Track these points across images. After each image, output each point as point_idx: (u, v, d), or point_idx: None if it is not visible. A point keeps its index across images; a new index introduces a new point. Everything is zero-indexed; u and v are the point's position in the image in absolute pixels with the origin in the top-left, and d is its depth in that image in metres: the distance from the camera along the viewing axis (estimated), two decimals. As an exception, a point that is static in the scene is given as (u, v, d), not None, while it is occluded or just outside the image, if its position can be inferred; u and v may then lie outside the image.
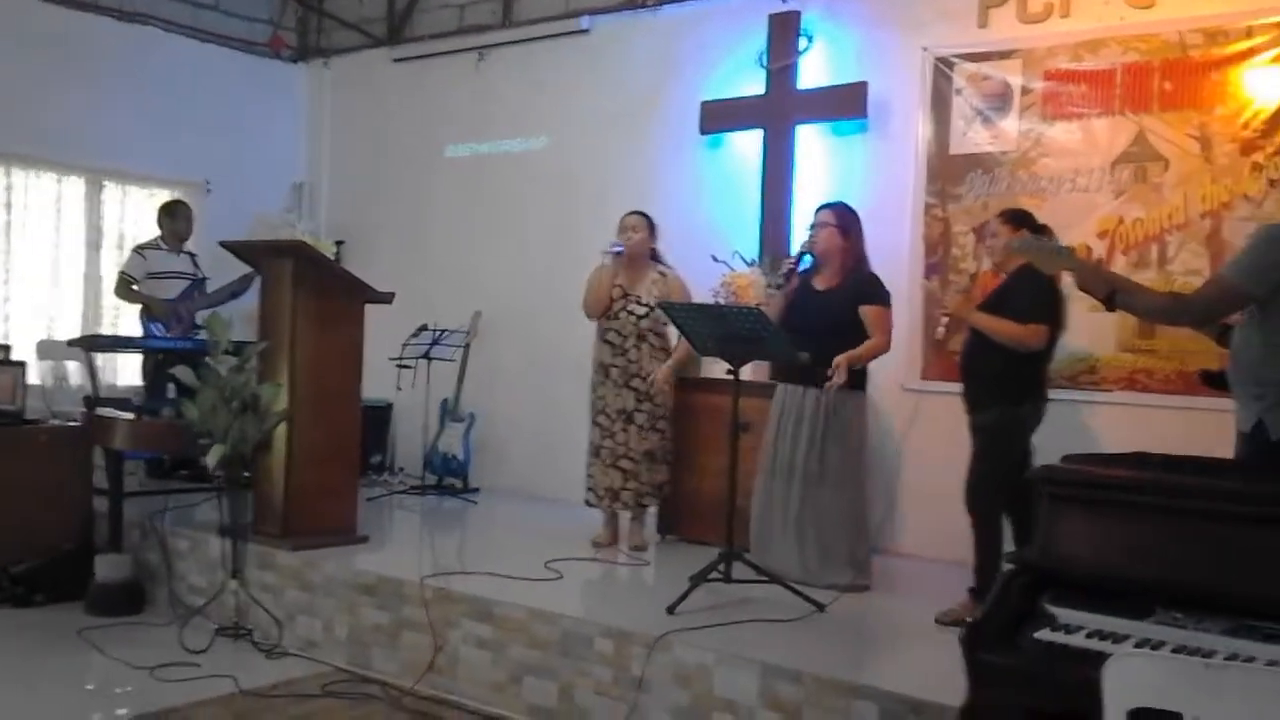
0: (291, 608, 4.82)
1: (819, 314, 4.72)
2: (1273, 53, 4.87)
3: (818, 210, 4.97)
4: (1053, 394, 5.05)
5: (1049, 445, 4.55)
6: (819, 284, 4.85)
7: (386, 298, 5.39)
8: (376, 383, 7.12)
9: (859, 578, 4.69)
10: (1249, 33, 4.94)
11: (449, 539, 6.09)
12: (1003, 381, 4.22)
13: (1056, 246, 3.09)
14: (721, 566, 4.32)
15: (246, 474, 4.98)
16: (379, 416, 7.49)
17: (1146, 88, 5.19)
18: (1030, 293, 4.15)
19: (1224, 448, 3.19)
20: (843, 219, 4.84)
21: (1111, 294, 2.99)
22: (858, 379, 4.79)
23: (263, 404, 4.90)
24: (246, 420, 4.84)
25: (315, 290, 5.17)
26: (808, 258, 4.90)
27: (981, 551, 4.24)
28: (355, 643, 4.59)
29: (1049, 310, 4.21)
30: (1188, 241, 5.05)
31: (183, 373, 4.81)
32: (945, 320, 4.40)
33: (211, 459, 4.77)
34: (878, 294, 4.78)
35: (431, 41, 7.97)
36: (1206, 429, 3.95)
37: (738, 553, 4.38)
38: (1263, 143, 4.87)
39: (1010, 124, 5.55)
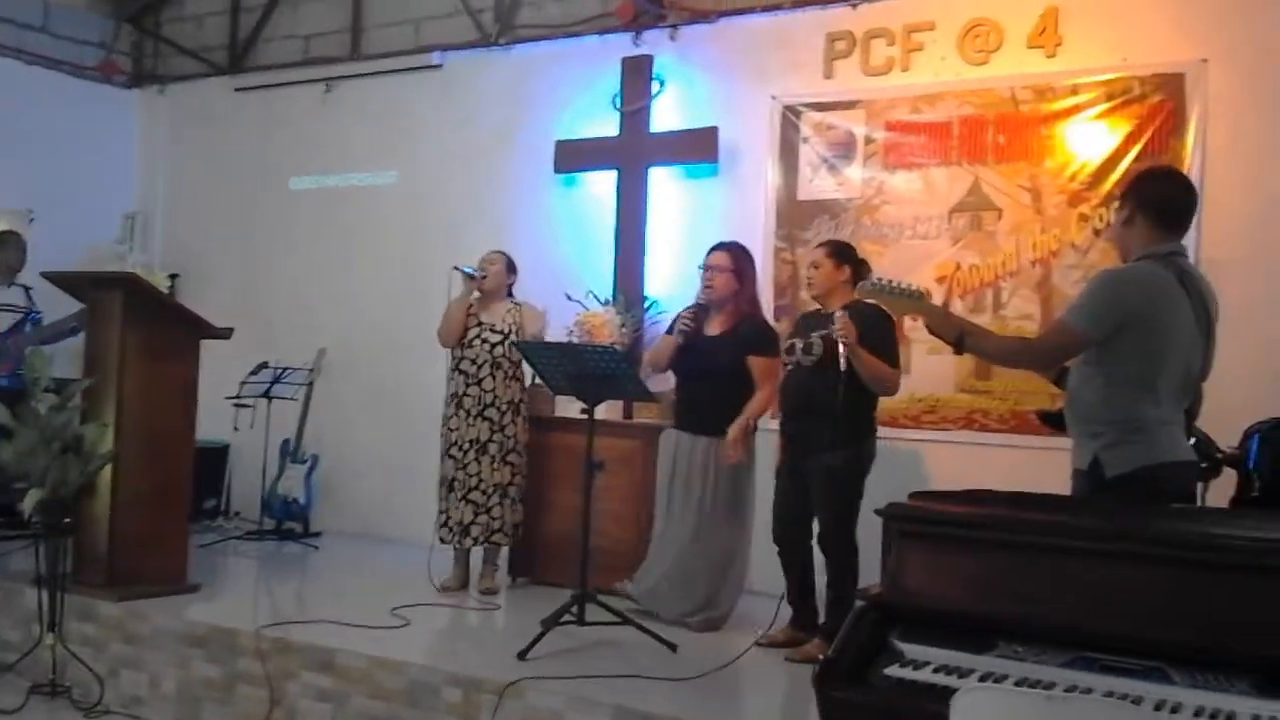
0: (115, 662, 4.51)
1: (708, 359, 4.72)
2: (1097, 109, 5.17)
3: (711, 251, 4.94)
4: (897, 433, 5.24)
5: (894, 484, 4.68)
6: (710, 328, 4.84)
7: (224, 333, 5.16)
8: (212, 423, 6.79)
9: (714, 615, 4.68)
10: (1075, 90, 5.23)
11: (288, 586, 5.83)
12: (852, 421, 4.30)
13: (909, 290, 3.14)
14: (574, 609, 4.25)
15: (67, 520, 4.65)
16: (214, 458, 7.14)
17: (981, 140, 5.43)
18: (882, 338, 4.27)
19: (1059, 484, 3.31)
20: (738, 262, 4.86)
21: (961, 337, 3.07)
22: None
23: (86, 445, 4.60)
24: (68, 462, 4.54)
25: (146, 325, 4.91)
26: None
27: (843, 589, 4.28)
28: (185, 698, 4.33)
29: (897, 350, 4.34)
30: (1020, 288, 5.28)
31: (-3, 412, 4.48)
32: (844, 352, 4.34)
33: (28, 504, 4.45)
34: (768, 344, 4.78)
35: (276, 71, 7.75)
36: (1042, 467, 4.11)
37: (591, 594, 4.32)
38: (1088, 194, 5.15)
39: (854, 172, 5.72)
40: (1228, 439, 3.76)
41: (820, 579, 4.49)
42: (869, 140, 5.69)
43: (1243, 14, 4.94)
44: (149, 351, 4.90)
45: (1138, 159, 5.01)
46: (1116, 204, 3.18)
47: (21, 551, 5.10)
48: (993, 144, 5.39)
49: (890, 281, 3.18)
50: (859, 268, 4.61)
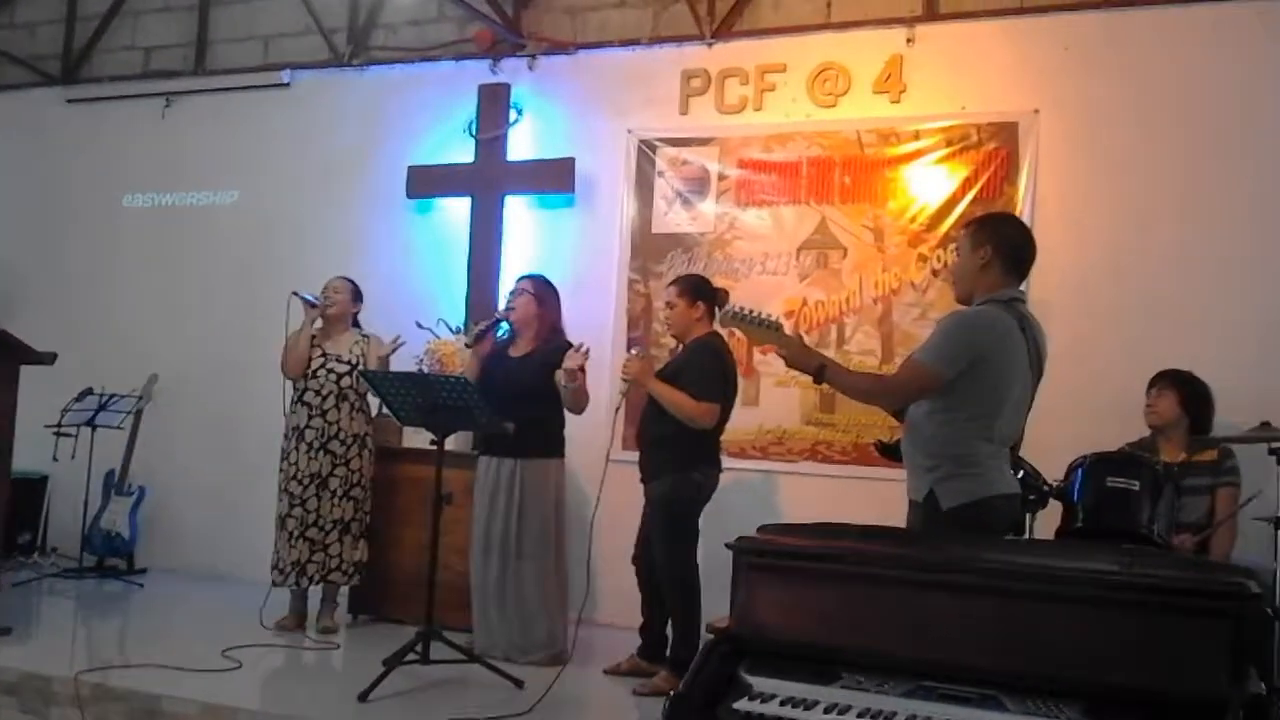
0: (-90, 715, 4.14)
1: (513, 380, 4.68)
2: (937, 154, 5.39)
3: (518, 280, 5.00)
4: (746, 464, 5.29)
5: (743, 514, 4.73)
6: (514, 351, 4.83)
7: (46, 358, 4.84)
8: (30, 452, 6.36)
9: (557, 650, 4.62)
10: (917, 135, 5.44)
11: (110, 627, 5.48)
12: (678, 449, 4.33)
13: (769, 321, 3.16)
14: (419, 647, 4.12)
15: None
16: (31, 490, 6.68)
17: (829, 180, 5.58)
18: (704, 369, 4.32)
19: (900, 514, 3.39)
20: (539, 288, 4.87)
21: (821, 369, 3.11)
22: (553, 447, 4.77)
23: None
24: None
25: (-43, 348, 4.57)
26: (505, 325, 4.86)
27: (684, 620, 4.30)
28: (-9, 752, 4.00)
29: (720, 387, 4.37)
30: (862, 324, 5.43)
31: None
32: (624, 384, 4.46)
33: None
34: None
35: (113, 84, 7.40)
36: (884, 497, 4.19)
37: (436, 631, 4.20)
38: (927, 236, 5.35)
39: (708, 207, 5.80)
40: (1054, 472, 3.92)
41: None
42: (722, 176, 5.78)
43: (1072, 68, 5.23)
44: (-41, 376, 4.55)
45: (973, 203, 5.24)
46: (964, 244, 3.23)
47: None
48: (839, 184, 5.55)
49: (751, 311, 3.19)
50: (714, 299, 4.64)
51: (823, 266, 5.54)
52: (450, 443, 5.07)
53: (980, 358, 3.03)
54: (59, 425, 6.23)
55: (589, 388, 4.77)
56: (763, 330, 3.15)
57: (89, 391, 6.39)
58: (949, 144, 5.37)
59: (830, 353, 5.37)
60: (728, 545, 2.78)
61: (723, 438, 4.71)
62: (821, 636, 2.61)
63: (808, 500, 5.17)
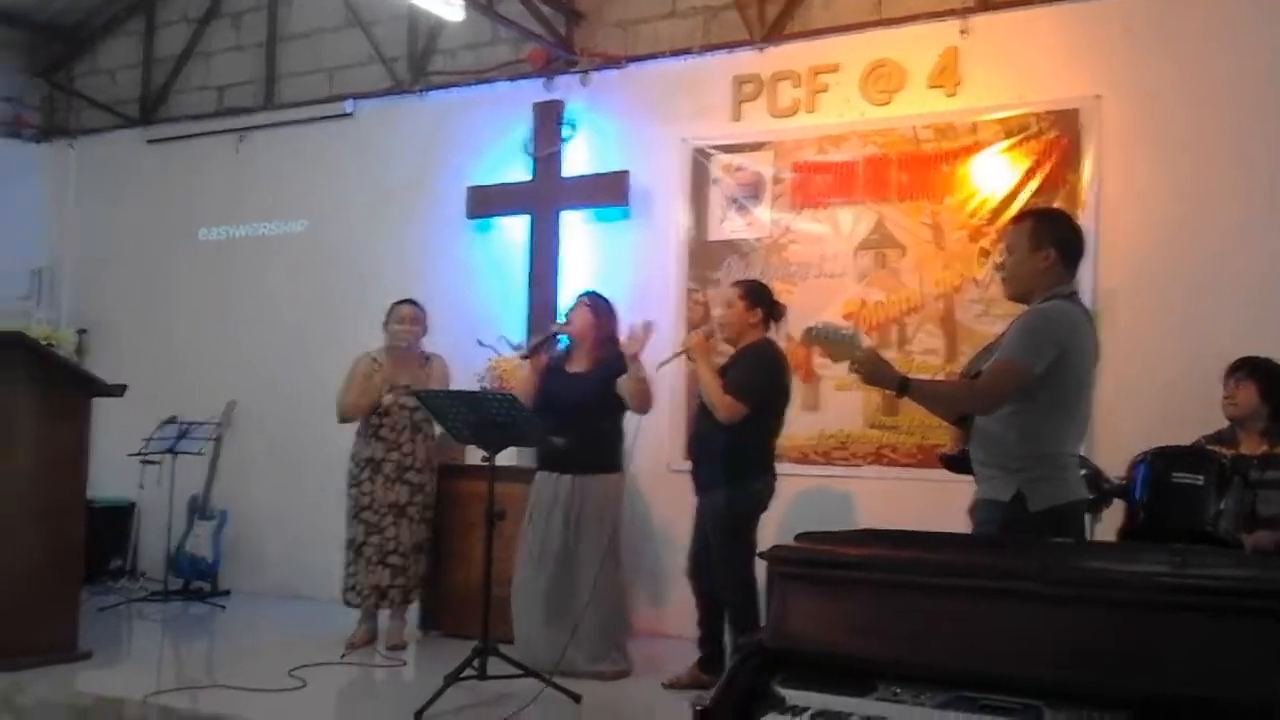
0: (-4, 737, 4.31)
1: (570, 396, 4.67)
2: (996, 147, 5.23)
3: (577, 296, 5.02)
4: (807, 470, 5.21)
5: (805, 521, 4.65)
6: (571, 367, 4.82)
7: (116, 390, 5.00)
8: (117, 481, 6.63)
9: (617, 664, 4.59)
10: (974, 128, 5.29)
11: (189, 649, 5.64)
12: (733, 460, 4.28)
13: (851, 337, 3.10)
14: (476, 662, 4.13)
15: (-53, 588, 4.46)
16: (119, 517, 6.94)
17: (885, 179, 5.47)
18: (746, 373, 4.27)
19: (966, 518, 3.30)
20: (595, 302, 4.88)
21: (904, 383, 3.05)
22: (612, 461, 4.75)
23: (-31, 511, 4.43)
24: (-51, 528, 4.36)
25: (34, 384, 4.75)
26: (562, 339, 4.87)
27: (743, 631, 4.23)
28: (69, 772, 4.13)
29: (757, 394, 4.30)
30: (924, 323, 5.30)
31: None
32: (678, 353, 4.41)
33: (-95, 573, 4.26)
34: (614, 367, 4.73)
35: (189, 123, 7.65)
36: (952, 500, 4.08)
37: (493, 647, 4.20)
38: (989, 230, 5.19)
39: (763, 212, 5.73)
40: (1121, 468, 3.77)
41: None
42: (777, 180, 5.71)
43: (1135, 51, 5.04)
44: (37, 412, 4.74)
45: (1036, 194, 5.08)
46: (1021, 243, 3.12)
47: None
48: (896, 182, 5.44)
49: (831, 326, 3.15)
50: (772, 308, 4.60)
51: (881, 266, 5.43)
52: (510, 457, 5.14)
53: (1064, 352, 2.97)
54: (143, 453, 6.44)
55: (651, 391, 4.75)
56: (843, 345, 3.08)
57: (171, 420, 6.60)
58: (1008, 135, 5.21)
59: (891, 354, 5.26)
60: (760, 555, 2.73)
61: (784, 444, 4.67)
62: (857, 647, 2.54)
63: (872, 505, 5.06)
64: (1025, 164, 5.17)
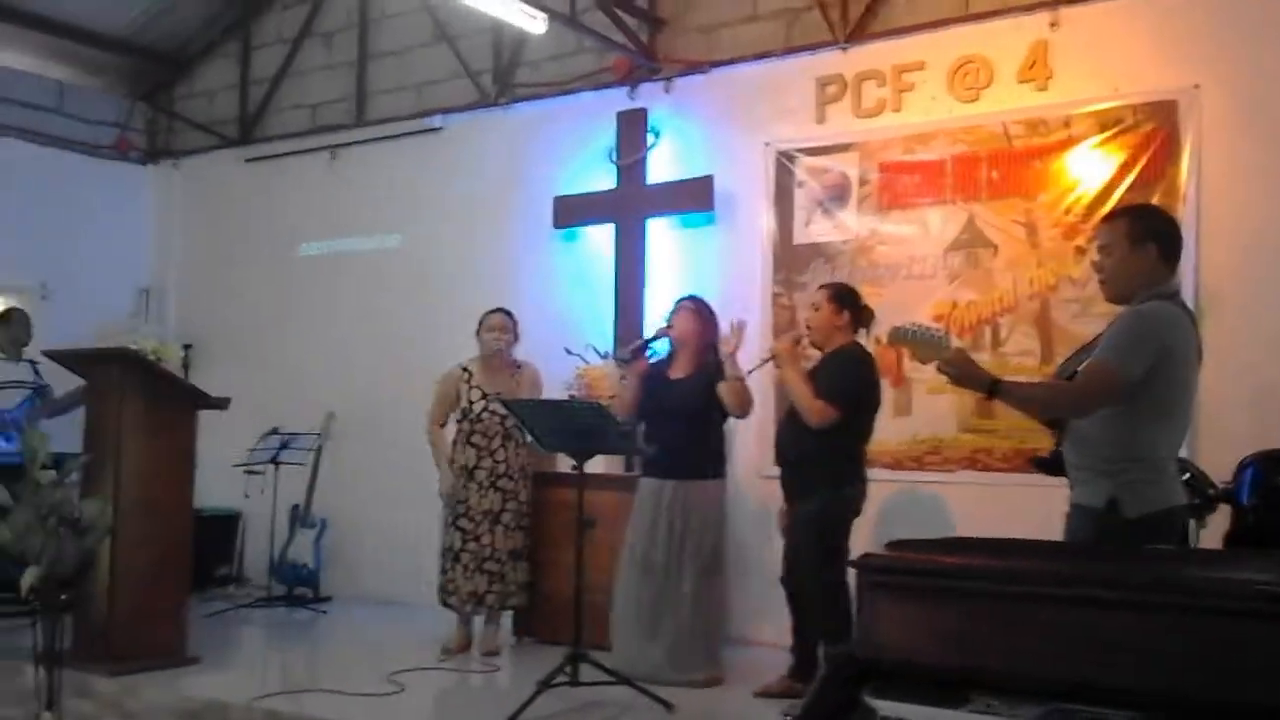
0: (111, 739, 4.48)
1: (673, 401, 4.68)
2: (1090, 141, 5.10)
3: (677, 301, 5.01)
4: (900, 475, 5.14)
5: (899, 527, 4.61)
6: (673, 373, 4.83)
7: (221, 403, 5.17)
8: (223, 490, 6.86)
9: (711, 672, 4.58)
10: (1067, 123, 5.17)
11: (292, 654, 5.80)
12: (825, 467, 4.24)
13: (939, 338, 3.05)
14: (568, 669, 4.17)
15: (64, 597, 4.64)
16: (226, 526, 7.17)
17: (975, 177, 5.37)
18: (836, 376, 4.22)
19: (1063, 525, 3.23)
20: (698, 306, 4.89)
21: (994, 385, 2.99)
22: (715, 467, 4.74)
23: (84, 521, 4.60)
24: (65, 539, 4.54)
25: (143, 398, 4.94)
26: (664, 343, 4.87)
27: (835, 639, 4.20)
28: (179, 774, 4.29)
29: (848, 398, 4.24)
30: (1018, 323, 5.19)
31: (-7, 491, 4.50)
32: (766, 357, 4.40)
33: (25, 582, 4.44)
34: (715, 373, 4.73)
35: (284, 141, 7.87)
36: (1048, 505, 3.99)
37: (584, 654, 4.24)
38: (1083, 227, 5.06)
39: (849, 214, 5.68)
40: (1226, 472, 3.64)
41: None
42: (863, 182, 5.65)
43: (1235, 39, 4.87)
44: (147, 424, 4.92)
45: (1132, 189, 4.94)
46: (1119, 242, 3.03)
47: (24, 630, 5.09)
48: (986, 180, 5.34)
49: (918, 326, 3.10)
50: (859, 312, 4.57)
51: (973, 266, 5.33)
52: (602, 465, 5.18)
53: (1165, 354, 2.89)
54: (247, 464, 6.65)
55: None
56: (931, 345, 3.03)
57: (274, 431, 6.80)
58: (1103, 129, 5.08)
59: (985, 356, 5.17)
60: (850, 563, 2.70)
61: (875, 449, 4.61)
62: (950, 657, 2.50)
63: (966, 511, 4.97)
64: (1121, 158, 5.03)
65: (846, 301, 4.55)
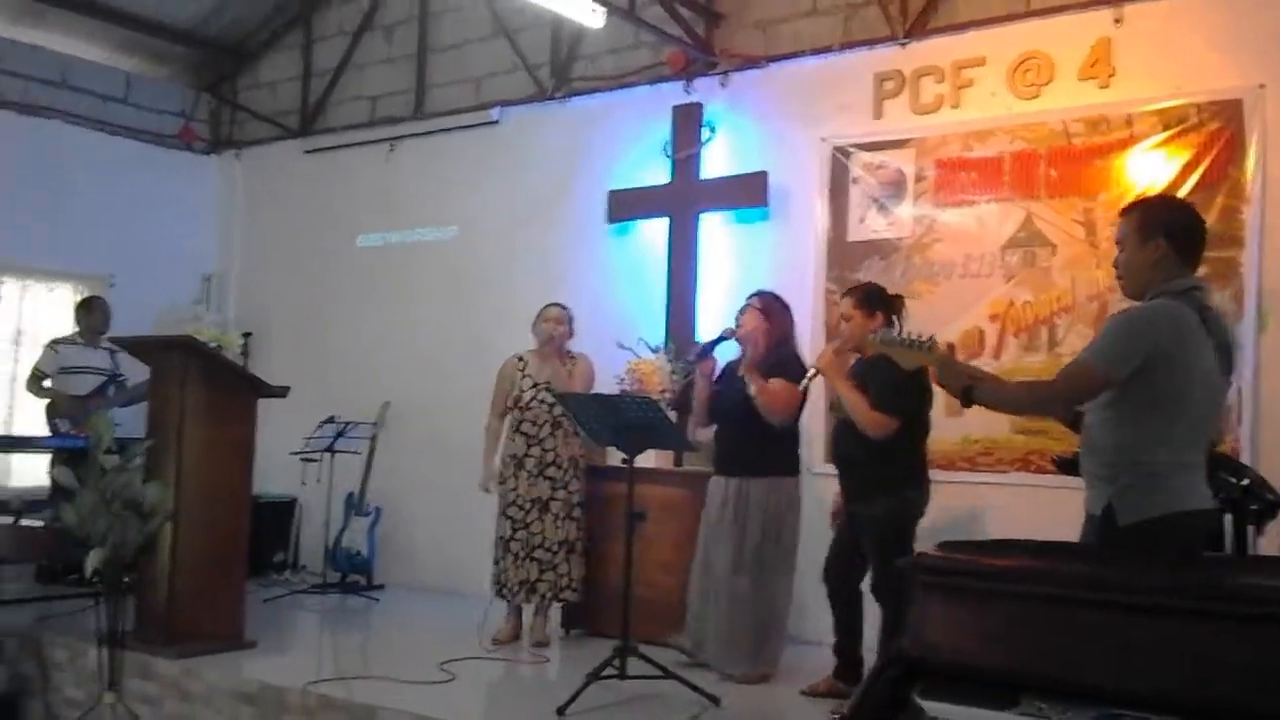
0: None
1: (740, 399, 4.66)
2: (1152, 140, 5.02)
3: (748, 298, 4.96)
4: (951, 476, 5.10)
5: (947, 528, 4.58)
6: (743, 370, 4.82)
7: (280, 391, 5.27)
8: (280, 477, 6.98)
9: (761, 668, 4.59)
10: (1129, 121, 5.09)
11: (345, 640, 5.90)
12: (889, 468, 4.21)
13: (916, 341, 3.05)
14: (617, 662, 4.20)
15: (127, 579, 4.77)
16: (282, 512, 7.30)
17: (1034, 175, 5.31)
18: (886, 386, 4.15)
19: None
20: (766, 303, 4.85)
21: (968, 389, 2.97)
22: (786, 464, 4.72)
23: (146, 504, 4.72)
24: (128, 522, 4.66)
25: (205, 385, 5.04)
26: (729, 347, 4.86)
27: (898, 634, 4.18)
28: (235, 755, 4.39)
29: (906, 400, 4.19)
30: (1075, 324, 5.12)
31: (60, 474, 4.64)
32: (812, 372, 4.38)
33: (90, 564, 4.56)
34: (787, 369, 4.68)
35: (343, 133, 7.97)
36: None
37: (633, 647, 4.27)
38: (1145, 227, 4.97)
39: (905, 211, 5.64)
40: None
41: (872, 629, 4.39)
42: (919, 178, 5.61)
43: (1301, 36, 4.77)
44: (208, 411, 5.02)
45: (1195, 189, 4.85)
46: (1129, 237, 2.99)
47: (88, 611, 5.23)
48: (1045, 178, 5.27)
49: (898, 334, 3.10)
50: (891, 307, 4.51)
51: (1030, 265, 5.27)
52: (651, 459, 5.20)
53: (1155, 356, 2.80)
54: (304, 452, 6.77)
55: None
56: (912, 351, 3.03)
57: (330, 420, 6.90)
58: (1165, 127, 5.00)
59: (1040, 356, 5.13)
60: (898, 564, 2.70)
61: (928, 450, 4.56)
62: (999, 659, 2.49)
63: (1019, 513, 4.92)
64: (1184, 157, 4.94)
65: (875, 303, 4.47)
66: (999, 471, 5.19)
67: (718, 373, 4.87)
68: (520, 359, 5.49)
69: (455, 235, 7.30)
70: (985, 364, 5.16)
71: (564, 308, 5.54)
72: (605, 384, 5.64)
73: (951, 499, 5.01)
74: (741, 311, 4.88)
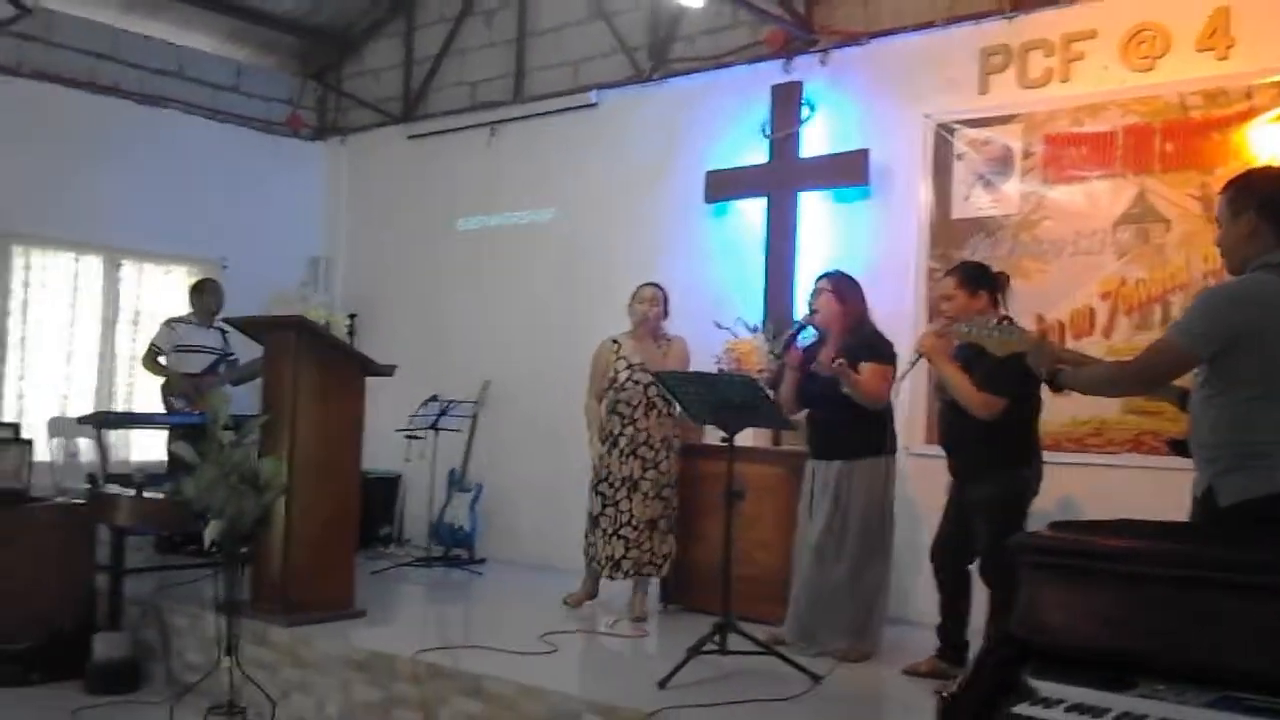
0: (285, 685, 4.76)
1: (827, 382, 4.64)
2: (1273, 112, 4.84)
3: (816, 280, 4.95)
4: (1060, 457, 4.99)
5: (1055, 509, 4.49)
6: (824, 355, 4.79)
7: (387, 370, 5.40)
8: (386, 454, 7.16)
9: (863, 647, 4.57)
10: (1249, 94, 4.91)
11: (449, 612, 6.04)
12: (1001, 447, 4.15)
13: (1003, 328, 3.01)
14: (717, 637, 4.23)
15: (244, 549, 4.94)
16: (388, 488, 7.49)
17: (1147, 149, 5.16)
18: (993, 362, 4.06)
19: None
20: (838, 285, 4.81)
21: (1055, 374, 2.92)
22: (879, 444, 4.68)
23: (262, 479, 4.88)
24: (245, 495, 4.82)
25: (316, 363, 5.19)
26: (809, 330, 4.85)
27: (1007, 614, 4.11)
28: (347, 720, 4.53)
29: (1011, 379, 4.07)
30: (1190, 301, 4.95)
31: (181, 448, 4.81)
32: (915, 357, 4.32)
33: (209, 535, 4.74)
34: (876, 350, 4.68)
35: (445, 118, 8.10)
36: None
37: (733, 623, 4.29)
38: (1266, 202, 4.79)
39: (1012, 187, 5.53)
40: None
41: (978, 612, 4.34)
42: (1027, 154, 5.49)
43: None
44: (319, 389, 5.17)
45: (1320, 163, 4.65)
46: (1224, 212, 2.93)
47: (207, 580, 5.44)
48: (1160, 153, 5.12)
49: (986, 323, 3.06)
50: (995, 285, 4.42)
51: (1143, 242, 5.12)
52: (749, 438, 5.20)
53: (1245, 333, 2.74)
54: (408, 429, 6.93)
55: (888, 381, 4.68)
56: (999, 339, 2.98)
57: (433, 398, 7.06)
58: (1288, 99, 4.81)
59: (1153, 336, 4.96)
60: (1006, 544, 2.67)
61: (1031, 430, 4.48)
62: (1114, 641, 2.45)
63: (1130, 495, 4.78)
64: (1307, 130, 4.75)
65: (979, 280, 4.38)
66: (1109, 452, 5.07)
67: (800, 358, 4.83)
68: (614, 341, 5.54)
69: (554, 217, 7.37)
70: (1094, 343, 5.06)
71: (658, 287, 5.56)
72: (703, 364, 5.65)
73: (1060, 480, 4.90)
74: (814, 296, 4.83)
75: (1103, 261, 5.21)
